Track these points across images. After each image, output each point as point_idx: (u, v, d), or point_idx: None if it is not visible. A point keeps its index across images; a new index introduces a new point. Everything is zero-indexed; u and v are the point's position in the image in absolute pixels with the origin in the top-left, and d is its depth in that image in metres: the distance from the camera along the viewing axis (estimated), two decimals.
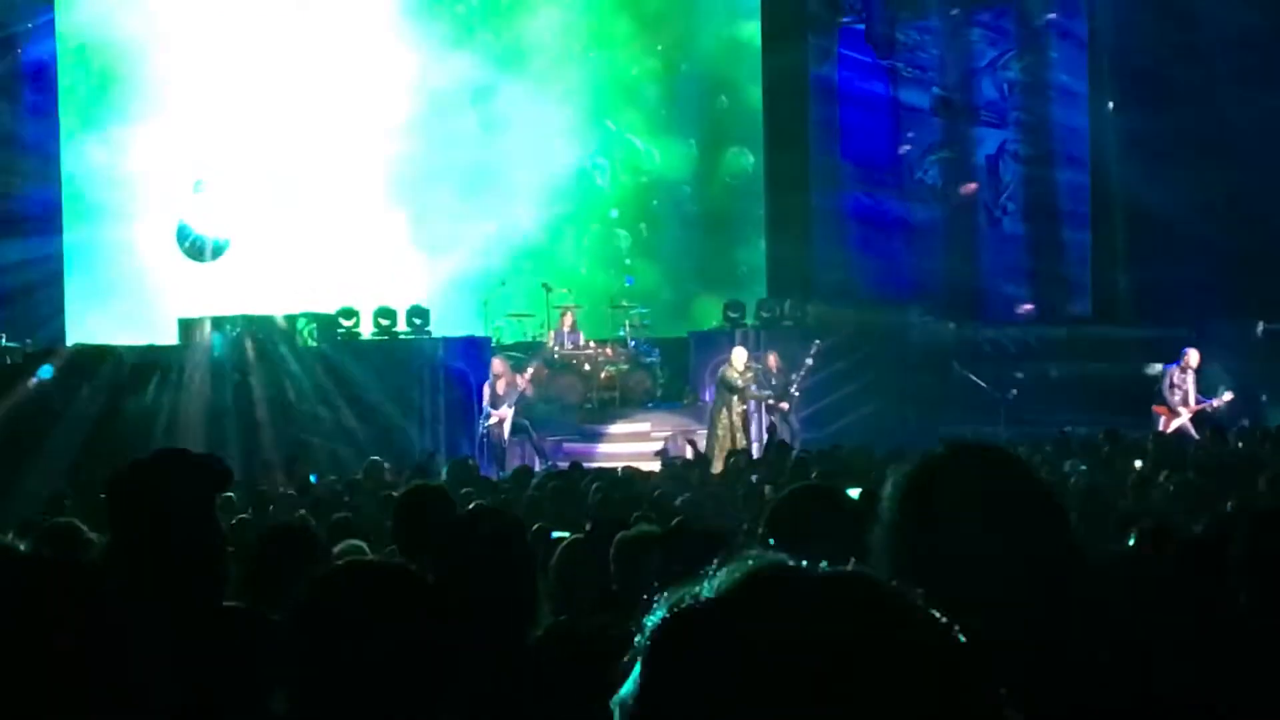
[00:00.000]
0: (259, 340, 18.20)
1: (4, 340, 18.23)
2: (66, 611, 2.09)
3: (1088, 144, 22.55)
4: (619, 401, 20.07)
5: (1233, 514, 6.98)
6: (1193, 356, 17.40)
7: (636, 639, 1.34)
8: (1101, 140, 22.17)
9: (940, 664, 1.25)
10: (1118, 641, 2.47)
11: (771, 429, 18.33)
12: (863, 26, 23.28)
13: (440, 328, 19.86)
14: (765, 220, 23.23)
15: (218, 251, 21.52)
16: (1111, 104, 22.02)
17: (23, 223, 20.70)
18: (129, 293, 21.16)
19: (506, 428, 18.07)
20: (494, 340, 20.22)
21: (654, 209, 23.65)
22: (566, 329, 20.17)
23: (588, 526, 6.54)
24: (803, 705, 1.21)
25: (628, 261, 23.37)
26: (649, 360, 20.68)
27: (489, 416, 18.13)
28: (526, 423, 18.29)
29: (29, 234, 20.56)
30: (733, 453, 15.71)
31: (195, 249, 21.56)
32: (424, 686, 2.29)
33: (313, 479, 14.72)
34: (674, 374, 20.98)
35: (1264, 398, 18.61)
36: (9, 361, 17.80)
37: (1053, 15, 22.96)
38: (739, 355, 18.23)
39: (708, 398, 19.04)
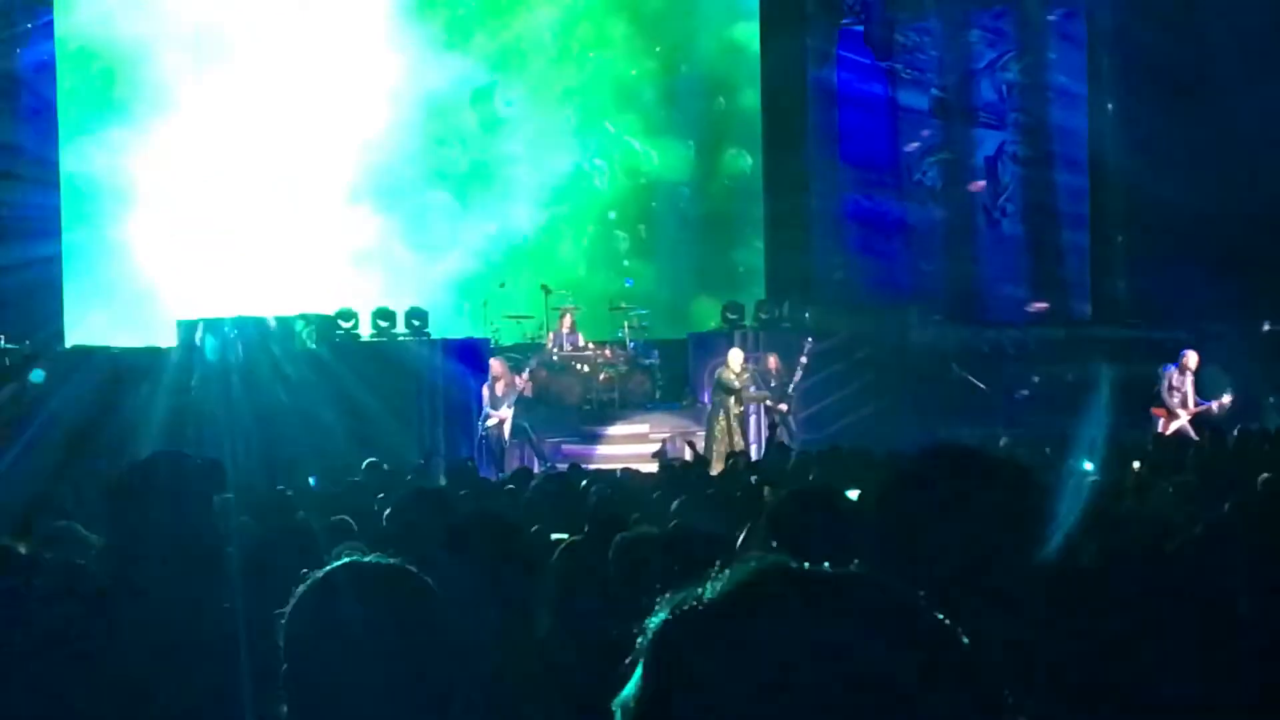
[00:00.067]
0: (254, 342, 18.18)
1: (2, 342, 18.23)
2: (66, 613, 2.09)
3: (1087, 145, 22.57)
4: (618, 403, 20.07)
5: (1231, 516, 6.98)
6: (1191, 358, 17.40)
7: (637, 641, 1.34)
8: (1100, 142, 22.20)
9: (945, 665, 1.25)
10: (1104, 642, 2.48)
11: (772, 429, 18.33)
12: (861, 28, 23.29)
13: (438, 330, 19.88)
14: (764, 222, 23.23)
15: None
16: (1111, 105, 22.03)
17: (22, 225, 20.70)
18: (128, 295, 21.17)
19: (506, 429, 18.08)
20: (493, 342, 20.22)
21: (652, 210, 23.65)
22: (565, 330, 20.17)
23: (586, 528, 6.53)
24: (806, 708, 1.21)
25: (626, 263, 23.37)
26: (648, 362, 20.68)
27: (488, 418, 18.13)
28: (526, 425, 18.29)
29: (28, 236, 20.56)
30: (731, 454, 15.71)
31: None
32: (423, 689, 2.28)
33: (311, 481, 14.70)
34: (673, 376, 20.97)
35: (1272, 399, 18.61)
36: (7, 364, 17.79)
37: (1052, 17, 22.98)
38: (735, 357, 18.25)
39: (707, 399, 19.05)
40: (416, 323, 19.62)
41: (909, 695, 1.22)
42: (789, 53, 22.89)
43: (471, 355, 19.30)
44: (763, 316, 20.69)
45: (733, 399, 17.89)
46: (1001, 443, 15.74)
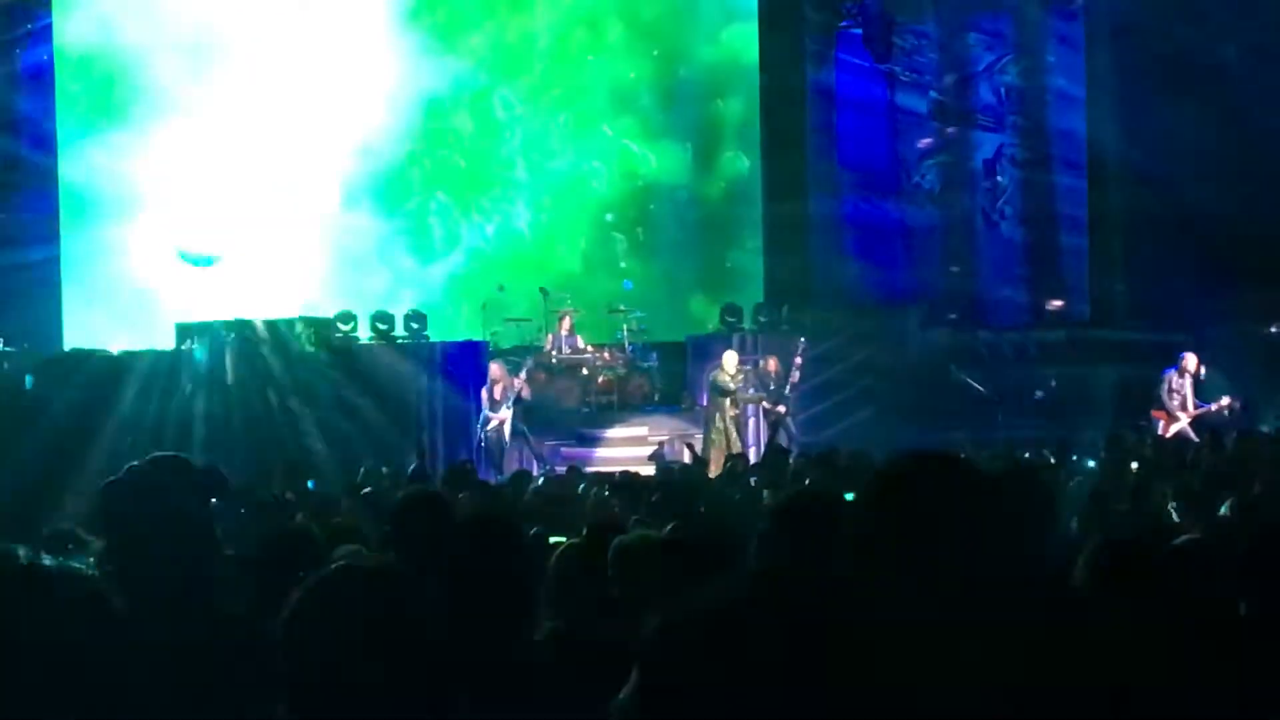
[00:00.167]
0: (251, 345, 18.17)
1: (1, 345, 18.23)
2: (65, 618, 2.09)
3: (1085, 148, 22.58)
4: (617, 405, 20.07)
5: (1229, 519, 6.99)
6: (1190, 361, 17.41)
7: (635, 644, 1.34)
8: (1099, 144, 22.20)
9: (942, 669, 1.25)
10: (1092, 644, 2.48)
11: (773, 432, 18.32)
12: (860, 31, 23.30)
13: (437, 332, 19.89)
14: (762, 224, 23.23)
15: (212, 261, 21.54)
16: (1109, 108, 22.04)
17: (20, 228, 20.70)
18: (127, 298, 21.15)
19: (506, 430, 18.09)
20: (491, 345, 20.22)
21: (650, 213, 23.65)
22: (564, 333, 20.18)
23: (585, 531, 6.52)
24: (798, 712, 1.21)
25: (623, 265, 23.37)
26: (647, 364, 20.69)
27: (488, 421, 18.14)
28: (524, 427, 18.29)
29: (26, 239, 20.55)
30: (730, 456, 15.71)
31: (196, 261, 21.56)
32: (421, 691, 2.28)
33: (310, 484, 14.70)
34: (672, 378, 20.97)
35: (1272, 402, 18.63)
36: (5, 367, 17.79)
37: (1050, 20, 23.00)
38: (729, 359, 18.25)
39: (705, 402, 19.06)
40: (415, 325, 19.63)
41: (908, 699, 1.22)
42: (787, 55, 22.89)
43: (470, 358, 19.31)
44: (761, 319, 20.69)
45: (728, 401, 17.89)
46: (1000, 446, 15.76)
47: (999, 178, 23.24)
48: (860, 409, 19.16)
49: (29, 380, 17.10)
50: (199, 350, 18.01)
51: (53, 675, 2.12)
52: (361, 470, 14.27)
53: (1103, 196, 22.20)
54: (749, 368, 18.80)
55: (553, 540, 6.47)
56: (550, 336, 20.29)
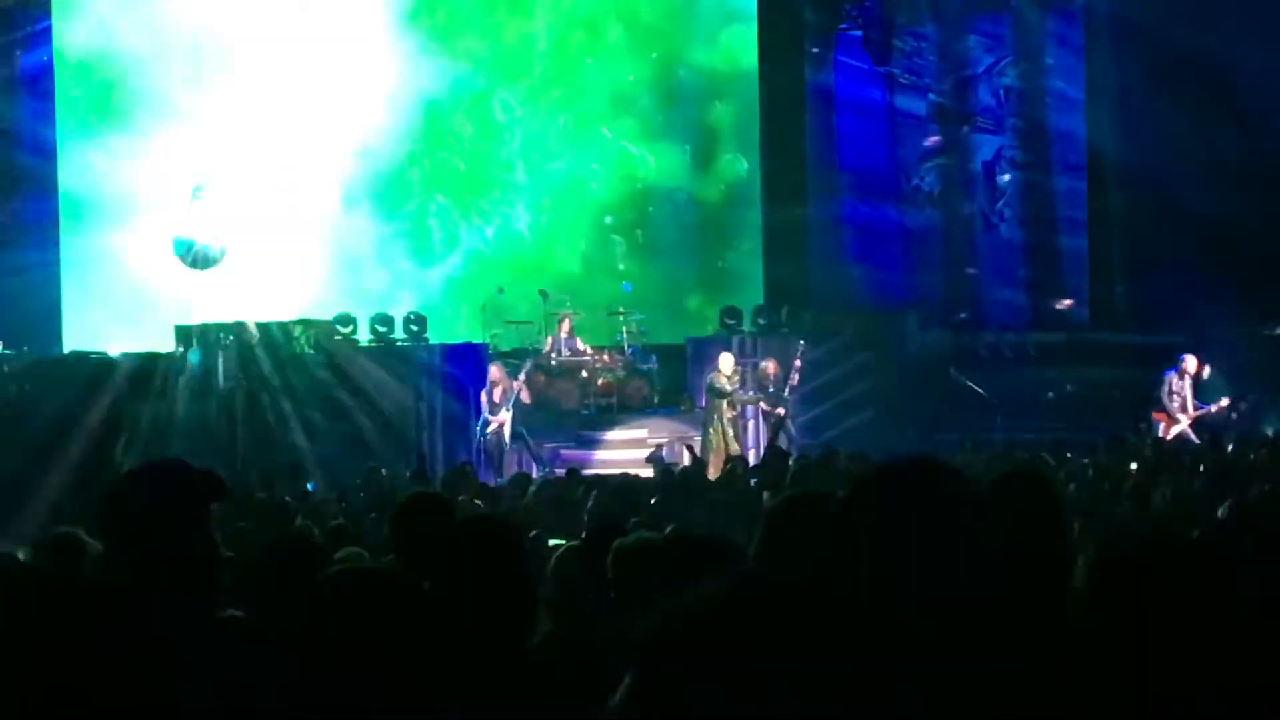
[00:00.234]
0: (249, 348, 18.18)
1: (1, 348, 18.24)
2: (65, 623, 2.09)
3: (1085, 150, 22.59)
4: (616, 408, 20.07)
5: (1228, 520, 6.98)
6: (1190, 362, 17.42)
7: (631, 647, 1.34)
8: (1098, 146, 22.21)
9: (936, 672, 1.25)
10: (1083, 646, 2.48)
11: (774, 433, 18.31)
12: (859, 33, 23.31)
13: (437, 334, 19.90)
14: (762, 227, 23.22)
15: (217, 259, 21.50)
16: (1108, 109, 22.05)
17: (20, 231, 20.70)
18: (126, 300, 21.14)
19: (505, 433, 18.09)
20: (491, 347, 20.22)
21: (649, 215, 23.65)
22: (564, 335, 20.18)
23: (584, 534, 6.53)
24: (794, 713, 1.21)
25: (622, 267, 23.37)
26: (646, 366, 20.68)
27: (488, 424, 18.14)
28: (523, 430, 18.30)
29: (26, 242, 20.55)
30: (730, 459, 15.72)
31: (197, 259, 21.51)
32: (419, 694, 2.28)
33: (310, 487, 14.72)
34: (671, 380, 20.96)
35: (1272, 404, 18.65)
36: (5, 370, 17.80)
37: (1050, 22, 23.01)
38: (726, 361, 18.23)
39: (704, 404, 19.06)
40: (415, 327, 19.63)
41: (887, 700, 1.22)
42: (786, 57, 22.89)
43: (470, 360, 19.31)
44: (760, 321, 20.68)
45: (724, 403, 17.89)
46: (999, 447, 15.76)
47: (998, 180, 23.24)
48: (860, 411, 19.17)
49: (195, 354, 17.33)
50: (194, 354, 18.02)
51: (53, 676, 2.12)
52: (363, 472, 14.29)
53: (1102, 198, 22.21)
54: (746, 369, 18.80)
55: (552, 543, 6.48)
56: (550, 339, 20.28)
